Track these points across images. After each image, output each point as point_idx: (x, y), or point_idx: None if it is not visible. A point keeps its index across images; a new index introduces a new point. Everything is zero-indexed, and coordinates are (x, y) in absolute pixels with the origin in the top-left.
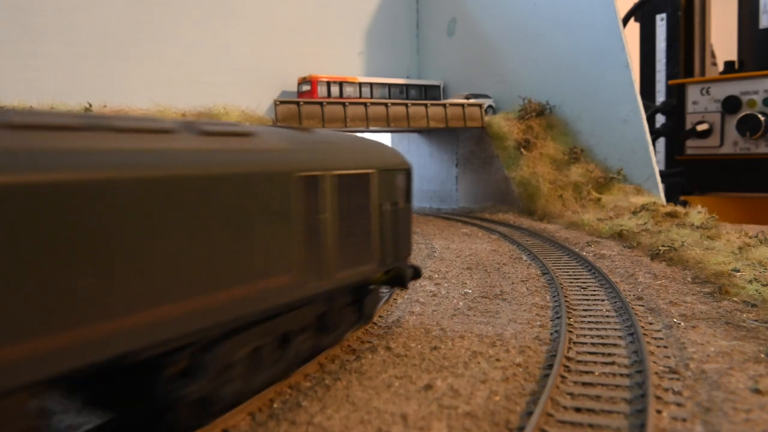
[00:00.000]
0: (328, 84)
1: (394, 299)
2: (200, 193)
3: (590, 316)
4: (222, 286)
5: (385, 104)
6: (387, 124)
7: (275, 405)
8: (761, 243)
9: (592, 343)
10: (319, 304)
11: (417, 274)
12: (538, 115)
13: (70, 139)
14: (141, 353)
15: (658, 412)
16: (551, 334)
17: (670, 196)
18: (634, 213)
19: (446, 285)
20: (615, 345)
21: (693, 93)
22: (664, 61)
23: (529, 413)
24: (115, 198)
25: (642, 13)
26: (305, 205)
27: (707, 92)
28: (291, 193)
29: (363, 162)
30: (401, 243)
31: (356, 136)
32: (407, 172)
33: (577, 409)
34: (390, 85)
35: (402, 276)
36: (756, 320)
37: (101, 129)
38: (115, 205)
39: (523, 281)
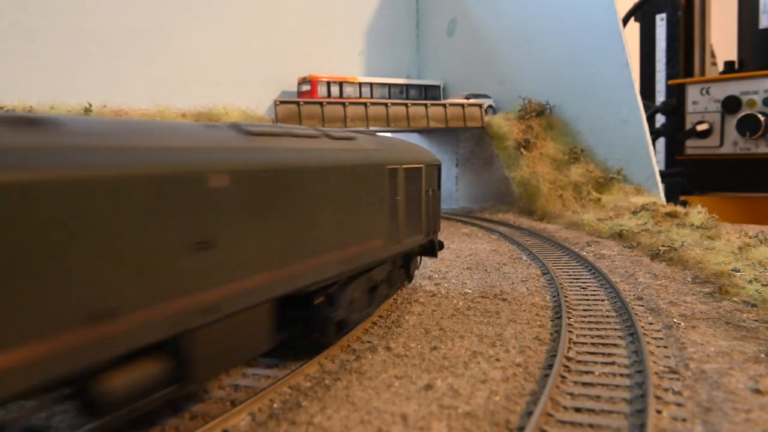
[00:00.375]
0: (328, 84)
1: (394, 299)
2: (338, 178)
3: (590, 316)
4: (350, 244)
5: (385, 104)
6: (387, 124)
7: (275, 405)
8: (761, 243)
9: (592, 343)
10: (388, 264)
11: (441, 246)
12: (538, 115)
13: (279, 142)
14: (313, 286)
15: (658, 412)
16: (551, 334)
17: (670, 196)
18: (634, 213)
19: (446, 285)
20: (615, 345)
21: (693, 93)
22: (664, 61)
23: (529, 413)
24: (306, 180)
25: (642, 13)
26: (389, 189)
27: (707, 92)
28: (383, 180)
29: (417, 158)
30: (436, 220)
31: (406, 140)
32: (439, 166)
33: (577, 409)
34: (390, 85)
35: (434, 247)
36: (756, 320)
37: (288, 135)
38: (306, 184)
39: (523, 281)
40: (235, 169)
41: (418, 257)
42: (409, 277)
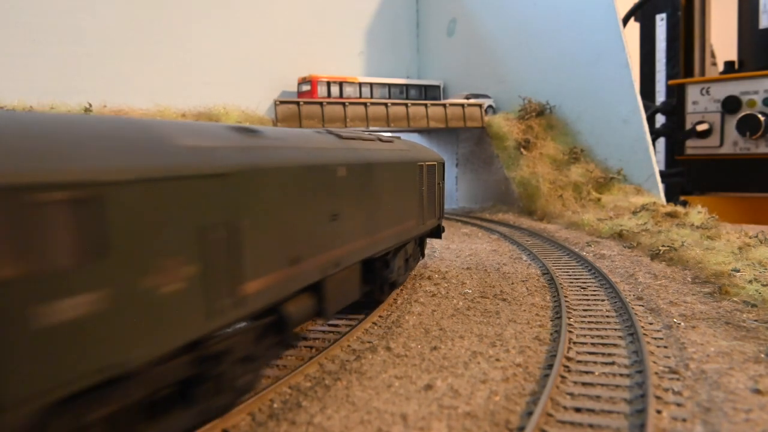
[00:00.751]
0: (328, 84)
1: (394, 299)
2: (391, 171)
3: (590, 316)
4: (398, 223)
5: (385, 104)
6: (387, 124)
7: (275, 405)
8: (761, 243)
9: (592, 343)
10: (414, 241)
11: (443, 229)
12: (538, 115)
13: (358, 144)
14: (379, 253)
15: (658, 412)
16: (551, 334)
17: (670, 196)
18: (634, 213)
19: (446, 285)
20: (615, 345)
21: (693, 93)
22: (664, 61)
23: (529, 413)
24: (375, 172)
25: (642, 13)
26: (418, 181)
27: (707, 92)
28: (415, 174)
29: (432, 157)
30: (442, 207)
31: (420, 143)
32: (444, 163)
33: (577, 409)
34: (390, 85)
35: (439, 230)
36: (756, 320)
37: (359, 139)
38: (375, 175)
39: (523, 281)
40: (347, 163)
41: (426, 238)
42: (423, 254)
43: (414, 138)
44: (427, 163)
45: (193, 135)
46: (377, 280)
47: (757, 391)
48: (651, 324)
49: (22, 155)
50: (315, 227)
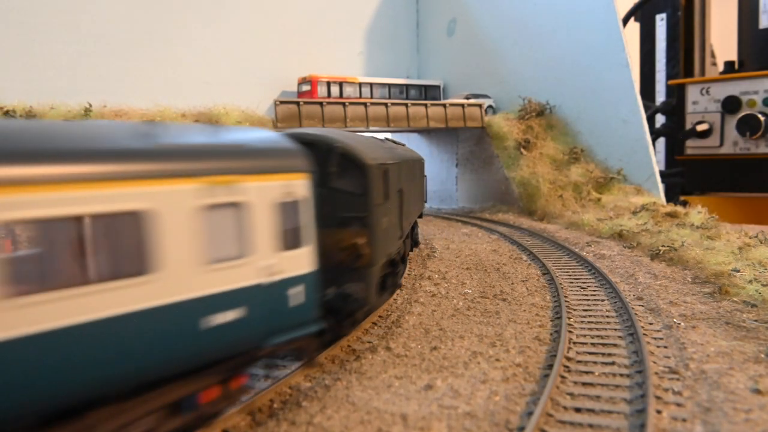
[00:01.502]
0: (328, 84)
1: (394, 299)
2: (414, 166)
3: (590, 316)
4: (418, 202)
5: (385, 104)
6: (387, 124)
7: (275, 405)
8: (761, 243)
9: (592, 344)
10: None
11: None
12: (538, 115)
13: (402, 148)
14: (413, 221)
15: (658, 412)
16: (551, 334)
17: (670, 196)
18: (634, 213)
19: (446, 285)
20: (615, 345)
21: (693, 93)
22: (664, 61)
23: (529, 413)
24: (411, 167)
25: (642, 13)
26: (419, 173)
27: (707, 92)
28: (420, 168)
29: (421, 156)
30: (426, 196)
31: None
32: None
33: (577, 410)
34: (390, 85)
35: (421, 214)
36: (756, 320)
37: (400, 143)
38: (411, 168)
39: (523, 281)
40: (407, 159)
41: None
42: (416, 233)
43: (414, 138)
44: (421, 161)
45: (382, 140)
46: (410, 240)
47: (757, 391)
48: (651, 324)
49: (365, 154)
50: (405, 198)
